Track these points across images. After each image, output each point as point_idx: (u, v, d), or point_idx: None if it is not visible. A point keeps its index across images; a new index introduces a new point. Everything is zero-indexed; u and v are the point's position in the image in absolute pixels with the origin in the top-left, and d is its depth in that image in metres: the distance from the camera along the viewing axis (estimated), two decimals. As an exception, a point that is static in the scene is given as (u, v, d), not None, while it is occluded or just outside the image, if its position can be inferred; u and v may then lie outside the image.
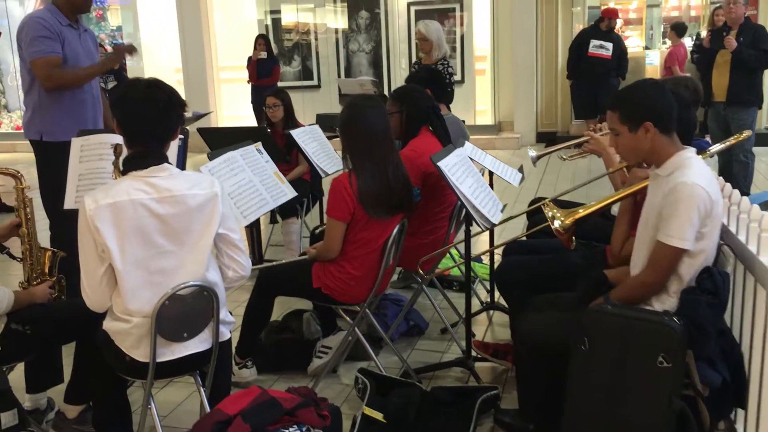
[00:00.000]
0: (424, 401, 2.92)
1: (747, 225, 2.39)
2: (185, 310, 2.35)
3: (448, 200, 3.50)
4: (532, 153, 3.71)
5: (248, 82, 9.27)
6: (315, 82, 11.03)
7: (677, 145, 2.35)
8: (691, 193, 2.19)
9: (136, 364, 2.37)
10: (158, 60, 11.62)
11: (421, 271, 3.47)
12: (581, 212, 2.84)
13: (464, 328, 3.79)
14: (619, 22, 10.38)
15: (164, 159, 2.38)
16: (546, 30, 10.07)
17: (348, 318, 3.21)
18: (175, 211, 2.31)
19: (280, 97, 5.14)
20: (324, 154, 4.33)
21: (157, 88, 2.34)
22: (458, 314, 3.92)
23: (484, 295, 4.33)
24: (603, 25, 9.28)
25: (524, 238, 3.58)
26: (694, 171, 2.24)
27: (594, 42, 9.29)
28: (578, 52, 9.36)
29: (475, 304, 4.18)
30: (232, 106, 11.36)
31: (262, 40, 9.07)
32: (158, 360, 2.35)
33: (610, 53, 9.21)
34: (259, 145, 3.61)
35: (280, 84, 9.21)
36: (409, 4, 10.62)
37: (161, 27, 12.07)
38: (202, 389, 2.57)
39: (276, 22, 11.20)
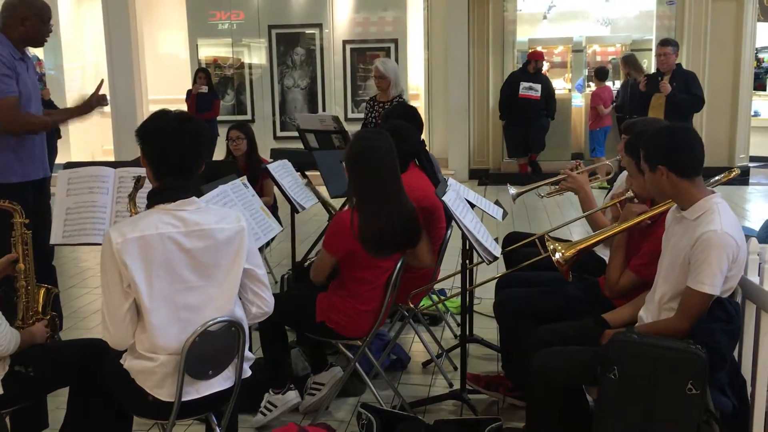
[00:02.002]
0: (429, 435, 2.93)
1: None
2: (213, 347, 2.29)
3: (437, 234, 3.55)
4: (512, 191, 3.83)
5: (187, 115, 9.11)
6: (249, 116, 10.95)
7: (702, 189, 2.48)
8: (722, 242, 2.32)
9: (158, 405, 2.29)
10: (82, 89, 11.26)
11: (411, 305, 3.50)
12: (581, 245, 2.97)
13: (446, 361, 3.88)
14: (545, 66, 10.88)
15: (191, 192, 2.33)
16: (478, 72, 10.41)
17: (348, 353, 3.19)
18: (204, 245, 2.27)
19: (244, 130, 5.10)
20: (298, 188, 4.32)
21: (187, 120, 2.31)
22: (441, 347, 3.96)
23: (456, 329, 4.39)
24: (530, 68, 9.69)
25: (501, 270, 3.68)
26: (723, 219, 2.37)
27: (524, 84, 9.68)
28: (509, 93, 9.73)
29: (448, 338, 4.25)
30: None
31: (202, 74, 8.96)
32: (183, 399, 2.27)
33: (539, 94, 9.61)
34: (244, 179, 3.57)
35: (213, 118, 9.13)
36: (344, 42, 10.76)
37: (86, 56, 11.74)
38: (218, 429, 2.50)
39: (207, 56, 11.11)
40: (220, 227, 2.30)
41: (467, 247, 3.21)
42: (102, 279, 2.23)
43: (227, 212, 2.40)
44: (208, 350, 2.27)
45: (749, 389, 2.49)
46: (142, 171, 3.00)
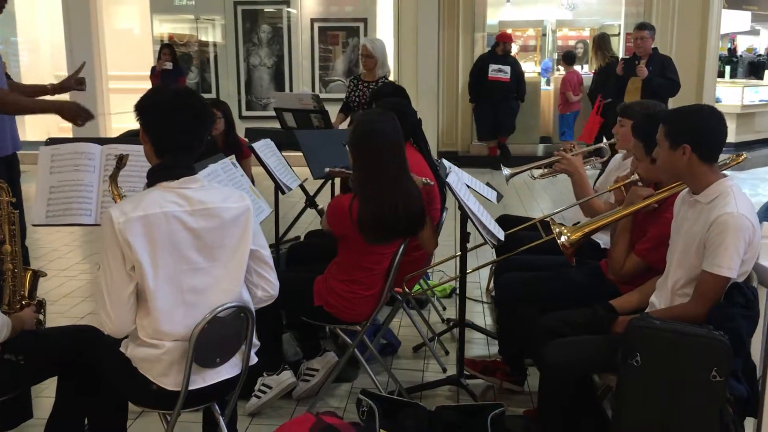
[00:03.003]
0: (432, 422, 2.87)
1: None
2: (222, 333, 2.18)
3: (432, 216, 3.46)
4: (506, 171, 3.77)
5: (151, 92, 8.83)
6: (214, 95, 10.68)
7: (717, 173, 2.45)
8: (738, 224, 2.29)
9: (163, 394, 2.17)
10: (37, 65, 10.86)
11: (406, 289, 3.43)
12: (588, 228, 2.92)
13: (438, 345, 3.83)
14: (515, 48, 10.87)
15: (194, 170, 2.21)
16: (447, 53, 10.34)
17: (347, 338, 3.10)
18: (209, 225, 2.15)
19: (221, 108, 4.93)
20: (284, 169, 4.19)
21: (189, 95, 2.19)
22: (432, 331, 3.91)
23: (442, 313, 4.34)
24: (499, 50, 9.67)
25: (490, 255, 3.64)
26: (739, 201, 2.34)
27: (493, 66, 9.66)
28: (478, 76, 9.70)
29: (435, 322, 4.20)
30: (122, 116, 10.77)
31: (167, 50, 8.68)
32: (190, 388, 2.16)
33: (508, 76, 9.60)
34: (233, 158, 3.44)
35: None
36: (312, 20, 10.56)
37: (40, 31, 11.30)
38: (221, 418, 2.40)
39: (166, 32, 10.79)
40: (226, 206, 2.19)
41: (465, 230, 3.15)
42: (103, 261, 2.10)
43: (231, 191, 2.29)
44: (216, 337, 2.17)
45: (759, 374, 2.49)
46: (130, 148, 2.87)
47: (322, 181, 5.35)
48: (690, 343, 2.17)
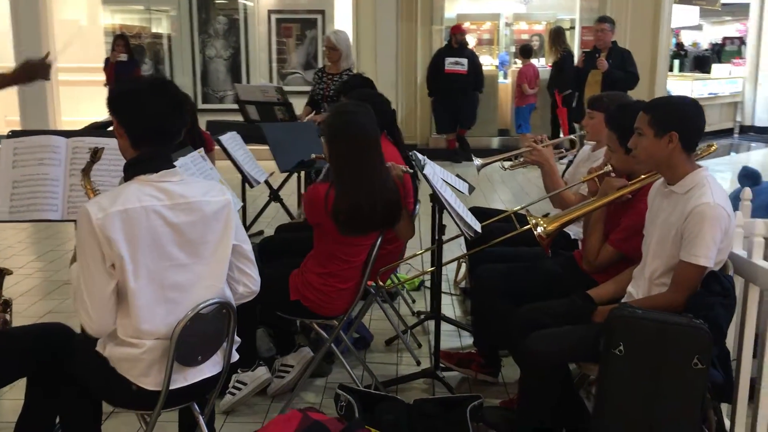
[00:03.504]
0: (411, 415, 2.86)
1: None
2: (203, 331, 2.12)
3: (407, 207, 3.45)
4: (478, 161, 3.77)
5: (105, 85, 8.61)
6: (168, 87, 10.44)
7: (693, 164, 2.48)
8: (715, 214, 2.32)
9: (143, 394, 2.10)
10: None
11: (380, 282, 3.40)
12: (563, 219, 2.94)
13: (411, 338, 3.82)
14: (472, 41, 10.92)
15: (172, 163, 2.14)
16: (406, 46, 10.33)
17: (323, 332, 3.07)
18: (190, 220, 2.09)
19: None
20: (251, 162, 4.12)
21: (165, 84, 2.12)
22: (404, 323, 3.90)
23: (412, 305, 4.34)
24: (453, 42, 9.71)
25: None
26: (714, 191, 2.37)
27: (449, 59, 9.69)
28: (436, 69, 9.73)
29: (405, 314, 4.19)
30: (72, 110, 10.48)
31: (121, 41, 8.46)
32: (171, 387, 2.10)
33: (465, 68, 9.64)
34: (201, 151, 3.37)
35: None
36: (269, 12, 10.42)
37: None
38: (201, 417, 2.34)
39: (121, 23, 10.53)
40: (206, 200, 2.13)
41: (441, 222, 3.14)
42: (80, 261, 2.02)
43: (212, 184, 2.22)
44: (198, 334, 2.11)
45: (733, 361, 2.54)
46: (99, 141, 2.78)
47: (285, 174, 5.30)
48: (673, 331, 2.20)
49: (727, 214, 2.37)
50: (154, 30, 10.56)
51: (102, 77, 8.90)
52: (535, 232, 2.89)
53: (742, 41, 20.05)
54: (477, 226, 3.00)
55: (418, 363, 3.57)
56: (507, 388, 3.31)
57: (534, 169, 3.95)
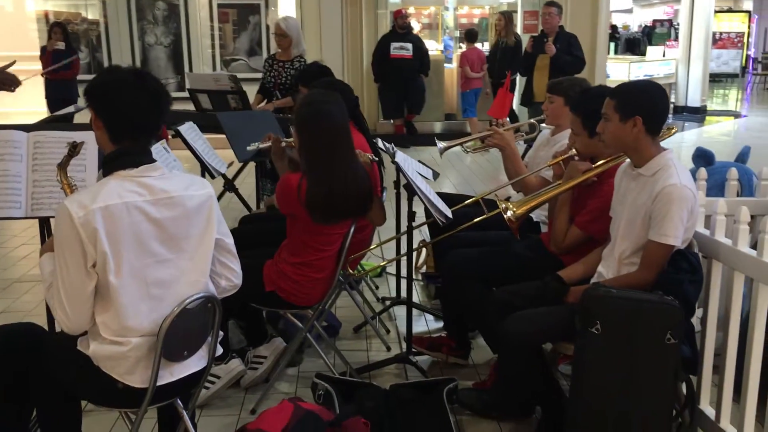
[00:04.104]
0: (389, 401, 2.89)
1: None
2: (189, 326, 2.11)
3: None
4: (441, 145, 3.81)
5: (42, 74, 8.31)
6: (107, 76, 10.15)
7: (659, 147, 2.57)
8: (682, 195, 2.41)
9: (129, 392, 2.07)
10: None
11: (350, 270, 3.42)
12: (532, 202, 3.02)
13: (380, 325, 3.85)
14: (417, 26, 10.95)
15: (152, 157, 2.11)
16: (351, 32, 10.29)
17: (298, 322, 3.07)
18: (173, 215, 2.06)
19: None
20: (211, 152, 4.07)
21: (145, 76, 2.07)
22: (372, 310, 3.93)
23: (376, 292, 4.38)
24: (397, 27, 9.73)
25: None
26: (680, 173, 2.46)
27: (394, 44, 9.71)
28: (382, 55, 9.73)
29: (370, 301, 4.22)
30: (1, 101, 10.07)
31: (58, 29, 8.16)
32: (158, 384, 2.08)
33: (411, 53, 9.68)
34: (164, 142, 3.31)
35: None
36: (211, -2, 10.23)
37: None
38: (185, 413, 2.32)
39: (52, 9, 10.17)
40: (189, 194, 2.10)
41: (412, 209, 3.17)
42: (58, 259, 1.97)
43: (193, 178, 2.19)
44: (184, 329, 2.09)
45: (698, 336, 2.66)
46: (62, 135, 2.71)
47: (240, 164, 5.23)
48: (646, 309, 2.29)
49: (692, 194, 2.47)
50: (87, 16, 10.22)
51: (37, 66, 8.58)
52: (505, 216, 2.95)
53: (671, 23, 20.74)
54: (448, 212, 3.05)
55: (389, 348, 3.61)
56: (477, 370, 3.38)
57: (483, 154, 4.03)
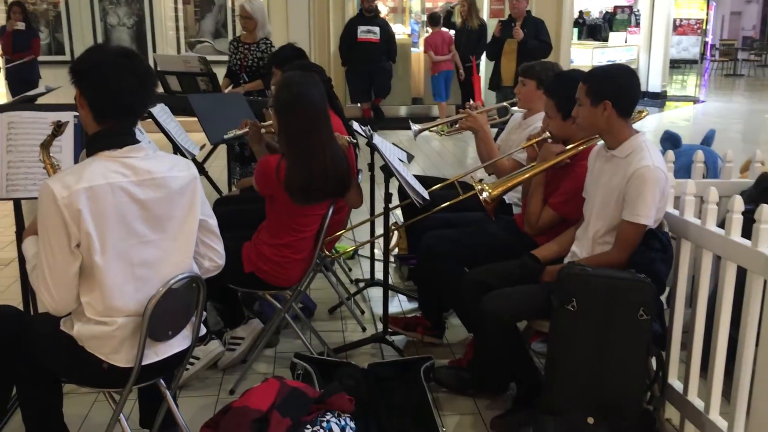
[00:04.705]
0: (368, 379, 2.94)
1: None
2: (175, 305, 2.12)
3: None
4: (415, 127, 3.84)
5: (1, 55, 8.11)
6: (68, 57, 9.97)
7: (631, 129, 2.64)
8: (654, 176, 2.48)
9: (114, 372, 2.08)
10: None
11: (326, 252, 3.44)
12: (507, 184, 3.07)
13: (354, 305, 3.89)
14: (384, 9, 10.92)
15: (136, 138, 2.10)
16: (318, 15, 10.23)
17: (276, 303, 3.09)
18: (157, 196, 2.06)
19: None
20: (183, 135, 4.04)
21: (133, 56, 2.06)
22: (347, 291, 3.96)
23: (349, 274, 4.41)
24: (364, 10, 9.70)
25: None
26: (653, 155, 2.54)
27: (361, 28, 9.69)
28: (349, 39, 9.70)
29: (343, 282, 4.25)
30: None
31: (18, 8, 7.97)
32: (143, 363, 2.09)
33: (378, 37, 9.67)
34: (138, 124, 3.28)
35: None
36: (175, -22, 10.08)
37: None
38: (168, 392, 2.33)
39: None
40: (172, 175, 2.11)
41: (388, 190, 3.20)
42: (42, 240, 1.96)
43: (177, 159, 2.19)
44: (169, 309, 2.10)
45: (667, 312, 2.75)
46: (36, 116, 2.68)
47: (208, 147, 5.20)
48: (621, 286, 2.36)
49: (664, 176, 2.55)
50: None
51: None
52: (480, 197, 2.99)
53: (631, 10, 21.03)
54: (425, 193, 3.09)
55: (364, 329, 3.66)
56: (452, 349, 3.44)
57: (451, 138, 4.08)
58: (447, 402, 2.97)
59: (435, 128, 3.92)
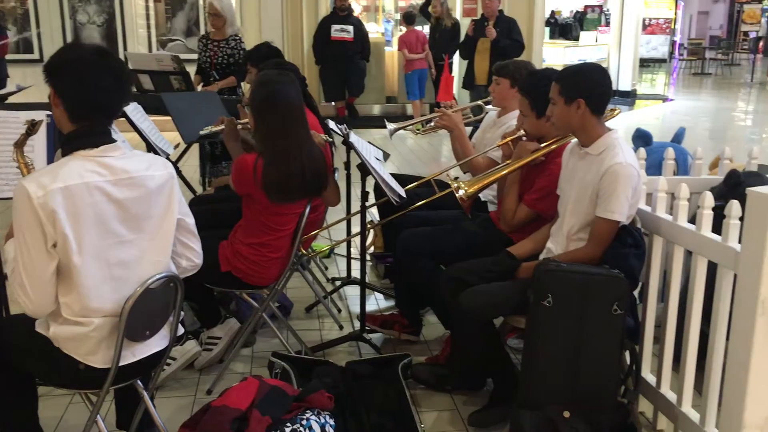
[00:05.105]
0: (346, 377, 2.95)
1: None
2: (152, 305, 2.11)
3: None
4: (391, 126, 3.85)
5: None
6: (36, 55, 9.82)
7: (604, 127, 2.68)
8: (627, 173, 2.52)
9: (90, 373, 2.06)
10: None
11: (303, 251, 3.44)
12: (483, 181, 3.09)
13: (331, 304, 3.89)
14: (357, 8, 10.92)
15: (112, 137, 2.09)
16: (291, 13, 10.20)
17: (254, 302, 3.08)
18: (134, 195, 2.05)
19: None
20: (157, 134, 4.01)
21: (108, 54, 2.04)
22: (324, 290, 3.97)
23: (325, 273, 4.41)
24: (338, 9, 9.70)
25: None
26: (625, 152, 2.58)
27: (335, 26, 9.69)
28: (321, 37, 9.69)
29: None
30: None
31: (-15, 6, 7.83)
32: (120, 364, 2.07)
33: (351, 35, 9.67)
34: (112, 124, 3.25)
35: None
36: (146, -24, 9.97)
37: None
38: (146, 393, 2.32)
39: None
40: (150, 174, 2.09)
41: (365, 188, 3.21)
42: (17, 240, 1.93)
43: (154, 158, 2.18)
44: (146, 309, 2.08)
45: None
46: (8, 115, 2.65)
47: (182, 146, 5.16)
48: (595, 281, 2.40)
49: (636, 173, 2.59)
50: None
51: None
52: (457, 195, 3.01)
53: (601, 9, 21.28)
54: (402, 191, 3.10)
55: (341, 327, 3.66)
56: (429, 346, 3.46)
57: (425, 136, 4.10)
58: (425, 398, 2.99)
59: (410, 127, 3.93)
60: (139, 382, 2.30)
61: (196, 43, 5.82)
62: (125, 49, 9.96)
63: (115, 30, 9.98)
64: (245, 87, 5.13)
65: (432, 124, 3.86)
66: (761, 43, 24.39)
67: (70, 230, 1.92)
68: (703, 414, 2.44)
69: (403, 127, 3.90)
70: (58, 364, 2.06)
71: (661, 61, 19.92)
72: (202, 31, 9.87)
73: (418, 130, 3.96)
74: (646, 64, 19.47)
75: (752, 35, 24.06)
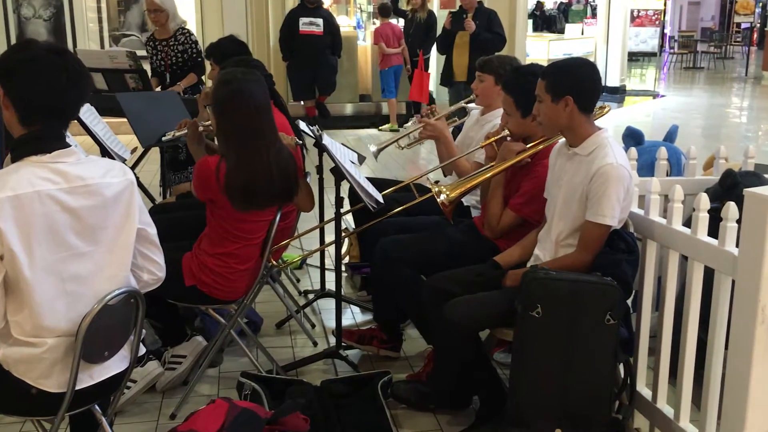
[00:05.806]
0: (321, 397, 2.95)
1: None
2: (111, 324, 2.09)
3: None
4: (373, 148, 3.89)
5: None
6: (-23, 53, 9.69)
7: (594, 125, 2.72)
8: (618, 174, 2.56)
9: (44, 398, 2.04)
10: None
11: (273, 262, 3.44)
12: (466, 185, 3.12)
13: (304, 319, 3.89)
14: (328, 1, 10.93)
15: (66, 141, 2.07)
16: (256, 6, 10.18)
17: (221, 318, 3.07)
18: (90, 204, 2.04)
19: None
20: (112, 138, 3.98)
21: (64, 53, 2.04)
22: (296, 304, 3.96)
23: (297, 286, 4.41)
24: (306, 1, 9.69)
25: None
26: (616, 152, 2.61)
27: (303, 19, 9.67)
28: (290, 31, 9.66)
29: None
30: None
31: None
32: (76, 388, 2.06)
33: (321, 29, 9.65)
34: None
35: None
36: (96, -34, 9.91)
37: None
38: (104, 419, 2.30)
39: None
40: (107, 181, 2.08)
41: (340, 194, 3.22)
42: (-37, 252, 1.92)
43: (111, 163, 2.17)
44: (104, 328, 2.07)
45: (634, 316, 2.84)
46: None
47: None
48: (586, 290, 2.43)
49: (628, 174, 2.63)
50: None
51: None
52: (438, 200, 3.04)
53: (587, 0, 21.55)
54: (379, 197, 3.12)
55: (315, 344, 3.66)
56: (410, 362, 3.47)
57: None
58: (407, 419, 3.00)
59: (394, 143, 3.95)
60: (96, 407, 2.28)
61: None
62: (75, 45, 9.88)
63: (63, 25, 9.89)
64: (207, 82, 5.10)
65: (417, 136, 3.90)
66: (755, 35, 24.87)
67: (18, 243, 1.90)
68: (702, 429, 2.47)
69: (387, 146, 3.92)
70: (8, 389, 2.03)
71: (651, 54, 20.18)
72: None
73: (401, 147, 3.98)
74: (635, 58, 19.73)
75: (745, 26, 24.52)
